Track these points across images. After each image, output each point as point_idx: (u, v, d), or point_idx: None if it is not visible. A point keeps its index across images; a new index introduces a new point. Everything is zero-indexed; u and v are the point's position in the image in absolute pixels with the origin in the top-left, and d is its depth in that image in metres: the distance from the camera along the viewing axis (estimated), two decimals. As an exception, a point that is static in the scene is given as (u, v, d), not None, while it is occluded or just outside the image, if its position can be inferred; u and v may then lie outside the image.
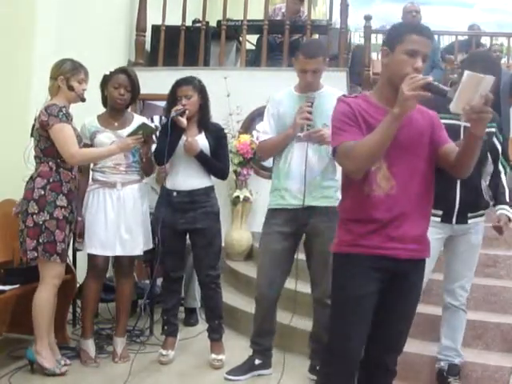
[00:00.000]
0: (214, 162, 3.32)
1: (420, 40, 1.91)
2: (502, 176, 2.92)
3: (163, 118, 5.45)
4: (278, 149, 3.08)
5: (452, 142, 2.07)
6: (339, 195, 3.06)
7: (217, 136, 3.36)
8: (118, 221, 3.24)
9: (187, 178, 3.29)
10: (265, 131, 3.14)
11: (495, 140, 2.87)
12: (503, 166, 2.93)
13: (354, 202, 2.02)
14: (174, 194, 3.30)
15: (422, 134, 2.01)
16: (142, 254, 3.36)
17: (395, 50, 1.94)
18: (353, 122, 1.96)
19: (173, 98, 3.29)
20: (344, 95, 2.12)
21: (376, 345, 2.06)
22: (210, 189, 3.37)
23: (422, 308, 2.94)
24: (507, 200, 2.91)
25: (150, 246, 3.43)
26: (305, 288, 3.18)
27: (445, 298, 2.95)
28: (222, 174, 3.44)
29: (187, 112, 3.23)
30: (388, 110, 1.88)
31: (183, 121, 3.21)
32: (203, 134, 3.32)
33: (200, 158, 3.27)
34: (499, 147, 2.89)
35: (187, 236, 3.40)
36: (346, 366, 2.03)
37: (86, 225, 3.26)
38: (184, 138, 3.25)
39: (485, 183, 2.90)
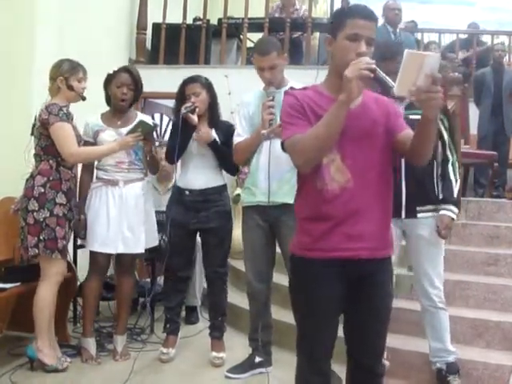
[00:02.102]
0: (227, 150, 3.21)
1: (362, 23, 1.81)
2: (449, 166, 2.83)
3: (164, 116, 5.48)
4: (253, 149, 3.03)
5: (410, 129, 1.94)
6: None
7: (227, 133, 3.31)
8: (119, 218, 3.24)
9: (198, 176, 3.28)
10: (238, 133, 3.09)
11: (441, 126, 2.78)
12: (451, 153, 2.84)
13: (308, 199, 1.92)
14: (187, 192, 3.29)
15: (377, 124, 1.90)
16: (143, 251, 3.35)
17: (338, 37, 1.84)
18: (300, 114, 1.87)
19: (181, 96, 3.27)
20: (292, 88, 2.02)
21: (355, 348, 1.99)
22: (223, 187, 3.36)
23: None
24: (453, 195, 2.81)
25: (156, 243, 3.43)
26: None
27: (422, 301, 2.90)
28: (232, 169, 3.40)
29: (197, 110, 3.22)
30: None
31: (194, 118, 3.20)
32: (213, 131, 3.30)
33: (213, 146, 3.24)
34: (445, 134, 2.82)
35: (197, 235, 3.39)
36: (311, 365, 1.96)
37: (88, 222, 3.26)
38: (194, 136, 3.23)
39: (437, 174, 2.84)
